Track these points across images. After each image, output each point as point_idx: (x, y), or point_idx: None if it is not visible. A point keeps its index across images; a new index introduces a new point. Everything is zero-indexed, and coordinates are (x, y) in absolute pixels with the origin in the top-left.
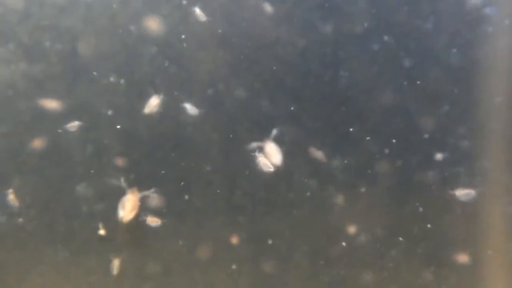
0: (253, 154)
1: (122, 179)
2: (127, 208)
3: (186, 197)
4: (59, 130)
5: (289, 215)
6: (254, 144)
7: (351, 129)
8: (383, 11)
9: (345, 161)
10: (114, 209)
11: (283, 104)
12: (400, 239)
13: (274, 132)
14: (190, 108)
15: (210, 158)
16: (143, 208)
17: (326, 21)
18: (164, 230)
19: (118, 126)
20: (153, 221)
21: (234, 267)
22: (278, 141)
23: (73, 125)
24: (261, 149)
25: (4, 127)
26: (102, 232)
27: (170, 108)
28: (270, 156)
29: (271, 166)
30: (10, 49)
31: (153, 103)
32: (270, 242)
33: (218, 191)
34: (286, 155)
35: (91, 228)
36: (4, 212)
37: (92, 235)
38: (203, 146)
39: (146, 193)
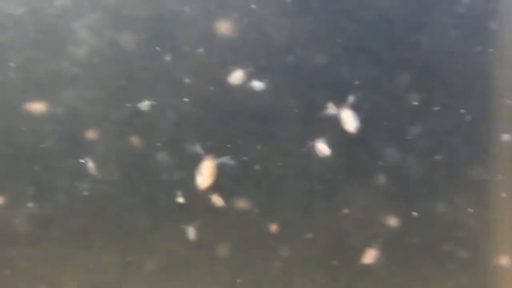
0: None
1: (199, 146)
2: (205, 174)
3: (262, 164)
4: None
5: (367, 184)
6: (330, 110)
7: (431, 95)
8: None
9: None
10: (192, 178)
11: (363, 70)
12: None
13: (351, 99)
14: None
15: (287, 125)
16: (220, 174)
17: None
18: (239, 198)
19: (197, 95)
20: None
21: (309, 236)
22: (356, 107)
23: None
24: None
25: (89, 94)
26: (180, 200)
27: (250, 75)
28: (346, 123)
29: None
30: (98, 17)
31: (238, 75)
32: (346, 211)
33: (294, 160)
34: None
35: (171, 195)
36: (87, 179)
37: (171, 203)
38: (280, 114)
39: (223, 159)
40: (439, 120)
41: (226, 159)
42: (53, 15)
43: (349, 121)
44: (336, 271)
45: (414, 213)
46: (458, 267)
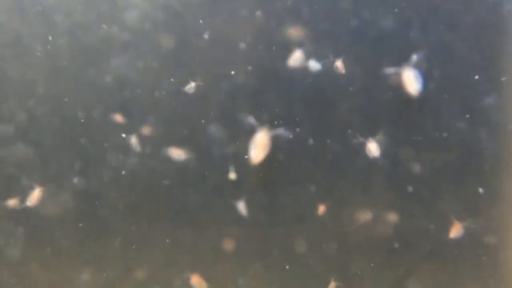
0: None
1: (253, 118)
2: (259, 146)
3: (321, 139)
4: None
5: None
6: (391, 70)
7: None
8: None
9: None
10: (244, 153)
11: (434, 32)
12: None
13: (414, 58)
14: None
15: (347, 95)
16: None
17: None
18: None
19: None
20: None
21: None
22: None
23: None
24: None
25: (142, 62)
26: (232, 176)
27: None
28: (408, 84)
29: None
30: None
31: (297, 55)
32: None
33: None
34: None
35: (222, 171)
36: (134, 154)
37: (223, 179)
38: (341, 83)
39: (277, 131)
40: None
41: (282, 131)
42: None
43: (412, 82)
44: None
45: None
46: None
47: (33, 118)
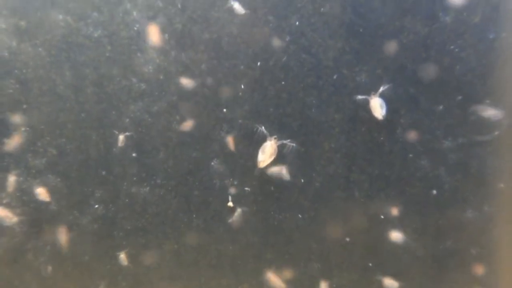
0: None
1: (263, 128)
2: (267, 152)
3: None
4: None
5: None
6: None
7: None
8: None
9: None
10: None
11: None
12: None
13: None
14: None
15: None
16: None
17: None
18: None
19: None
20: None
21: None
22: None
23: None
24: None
25: (155, 107)
26: (230, 204)
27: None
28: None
29: None
30: (165, 38)
31: None
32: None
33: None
34: None
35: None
36: (148, 183)
37: (222, 206)
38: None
39: (284, 141)
40: None
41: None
42: (126, 37)
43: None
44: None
45: None
46: None
47: (63, 154)
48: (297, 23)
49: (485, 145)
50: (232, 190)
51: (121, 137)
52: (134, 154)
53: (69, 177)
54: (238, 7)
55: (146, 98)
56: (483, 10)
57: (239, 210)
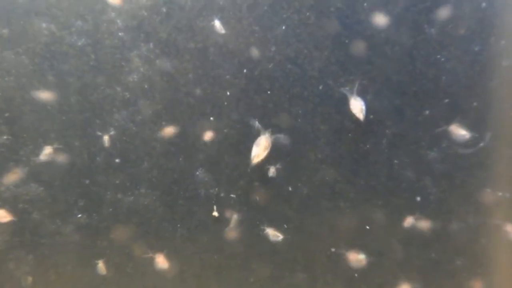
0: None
1: (257, 122)
2: (261, 145)
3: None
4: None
5: None
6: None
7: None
8: None
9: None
10: (227, 194)
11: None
12: None
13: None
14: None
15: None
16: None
17: None
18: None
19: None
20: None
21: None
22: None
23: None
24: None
25: (139, 116)
26: (215, 214)
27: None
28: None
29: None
30: (151, 47)
31: None
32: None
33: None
34: None
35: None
36: (132, 193)
37: (207, 216)
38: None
39: (278, 135)
40: None
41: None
42: (111, 45)
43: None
44: None
45: None
46: None
47: (45, 163)
48: (283, 33)
49: (470, 156)
50: (217, 200)
51: (106, 137)
52: (117, 160)
53: (52, 186)
54: (218, 26)
55: (130, 107)
56: (468, 22)
57: (235, 217)
